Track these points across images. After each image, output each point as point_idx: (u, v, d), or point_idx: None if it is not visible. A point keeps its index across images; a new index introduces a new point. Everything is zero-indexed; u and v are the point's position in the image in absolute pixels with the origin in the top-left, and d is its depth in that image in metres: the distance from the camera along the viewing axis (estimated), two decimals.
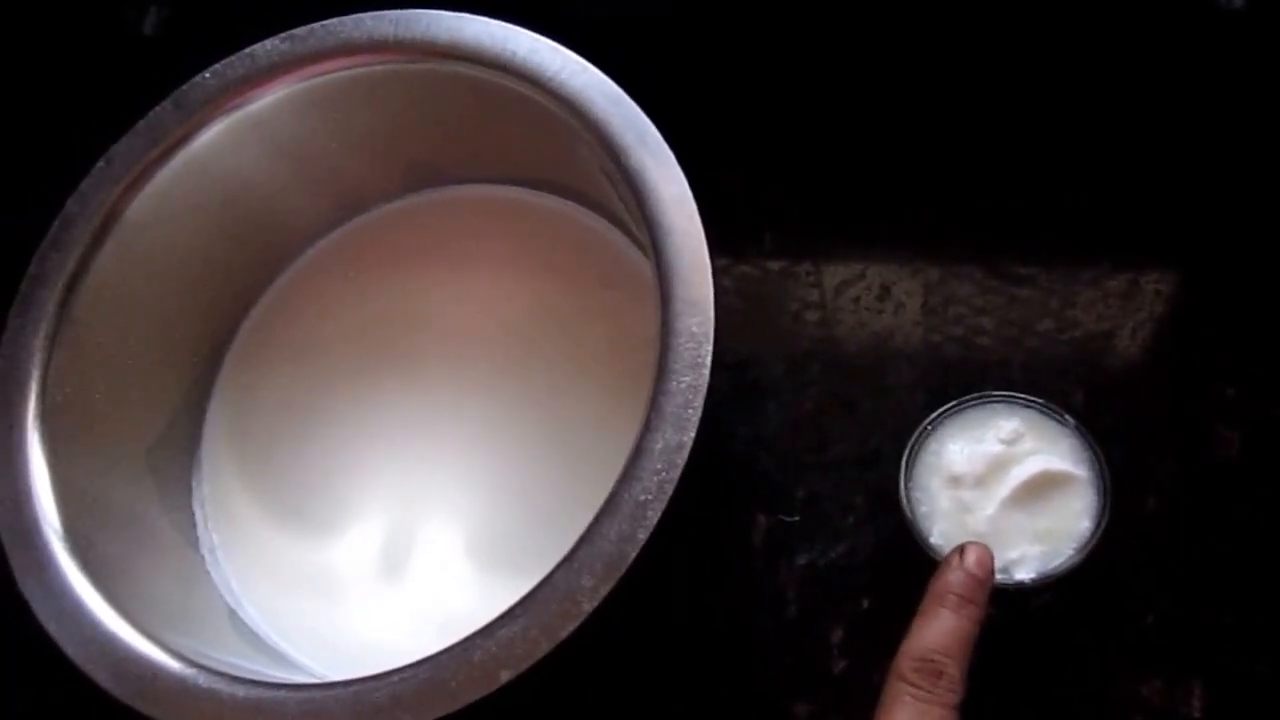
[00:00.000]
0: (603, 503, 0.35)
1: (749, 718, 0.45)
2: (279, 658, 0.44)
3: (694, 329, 0.36)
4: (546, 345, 0.49)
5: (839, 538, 0.47)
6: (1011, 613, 0.44)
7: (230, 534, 0.48)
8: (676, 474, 0.34)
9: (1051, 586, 0.39)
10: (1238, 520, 0.45)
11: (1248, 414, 0.47)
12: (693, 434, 0.34)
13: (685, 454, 0.34)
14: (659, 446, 0.35)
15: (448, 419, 0.49)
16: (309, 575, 0.47)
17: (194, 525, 0.48)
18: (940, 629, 0.35)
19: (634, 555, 0.33)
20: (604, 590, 0.33)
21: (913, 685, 0.34)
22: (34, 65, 0.59)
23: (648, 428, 0.35)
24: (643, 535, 0.33)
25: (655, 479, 0.34)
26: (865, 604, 0.46)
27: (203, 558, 0.47)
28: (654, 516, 0.34)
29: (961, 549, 0.37)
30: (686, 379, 0.35)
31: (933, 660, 0.34)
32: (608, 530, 0.34)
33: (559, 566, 0.34)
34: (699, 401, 0.35)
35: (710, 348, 0.36)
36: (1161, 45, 0.53)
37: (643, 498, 0.34)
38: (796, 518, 0.48)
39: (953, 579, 0.36)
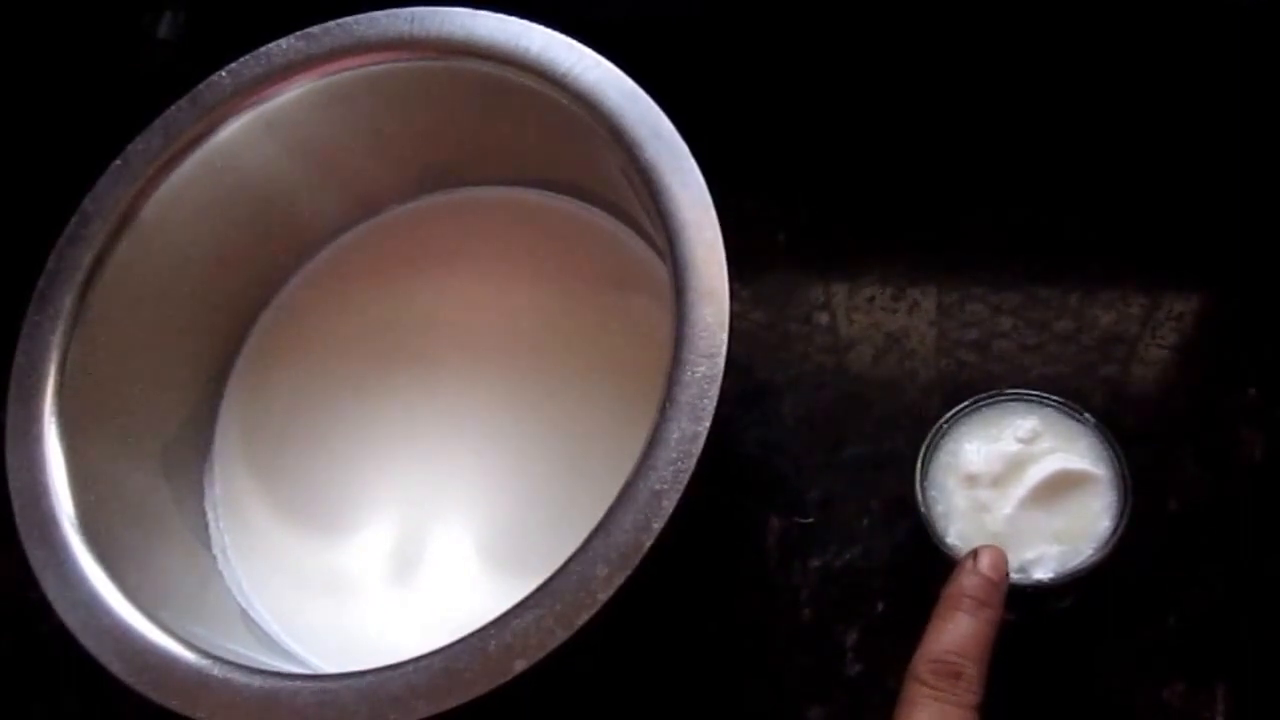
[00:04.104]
0: (617, 494, 0.35)
1: None
2: (290, 658, 0.44)
3: (709, 319, 0.36)
4: (560, 347, 0.49)
5: (853, 539, 0.47)
6: (1030, 614, 0.43)
7: (242, 534, 0.48)
8: (692, 463, 0.34)
9: (1070, 587, 0.39)
10: (1261, 521, 0.45)
11: (1271, 415, 0.46)
12: (708, 423, 0.34)
13: (701, 443, 0.34)
14: (675, 436, 0.34)
15: (460, 420, 0.49)
16: (320, 576, 0.47)
17: (206, 525, 0.48)
18: (957, 632, 0.34)
19: (649, 544, 0.33)
20: (619, 580, 0.33)
21: (931, 687, 0.33)
22: (51, 67, 0.59)
23: (663, 417, 0.35)
24: (658, 525, 0.33)
25: (671, 469, 0.34)
26: (880, 607, 0.45)
27: (215, 558, 0.47)
28: (669, 506, 0.33)
29: (975, 552, 0.37)
30: (702, 368, 0.35)
31: (950, 662, 0.34)
32: (623, 520, 0.34)
33: (574, 556, 0.34)
34: (714, 391, 0.35)
35: (726, 337, 0.36)
36: (1182, 43, 0.53)
37: (658, 487, 0.34)
38: (810, 519, 0.47)
39: (967, 583, 0.36)
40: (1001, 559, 0.37)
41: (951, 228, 0.52)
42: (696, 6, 0.57)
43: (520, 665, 0.33)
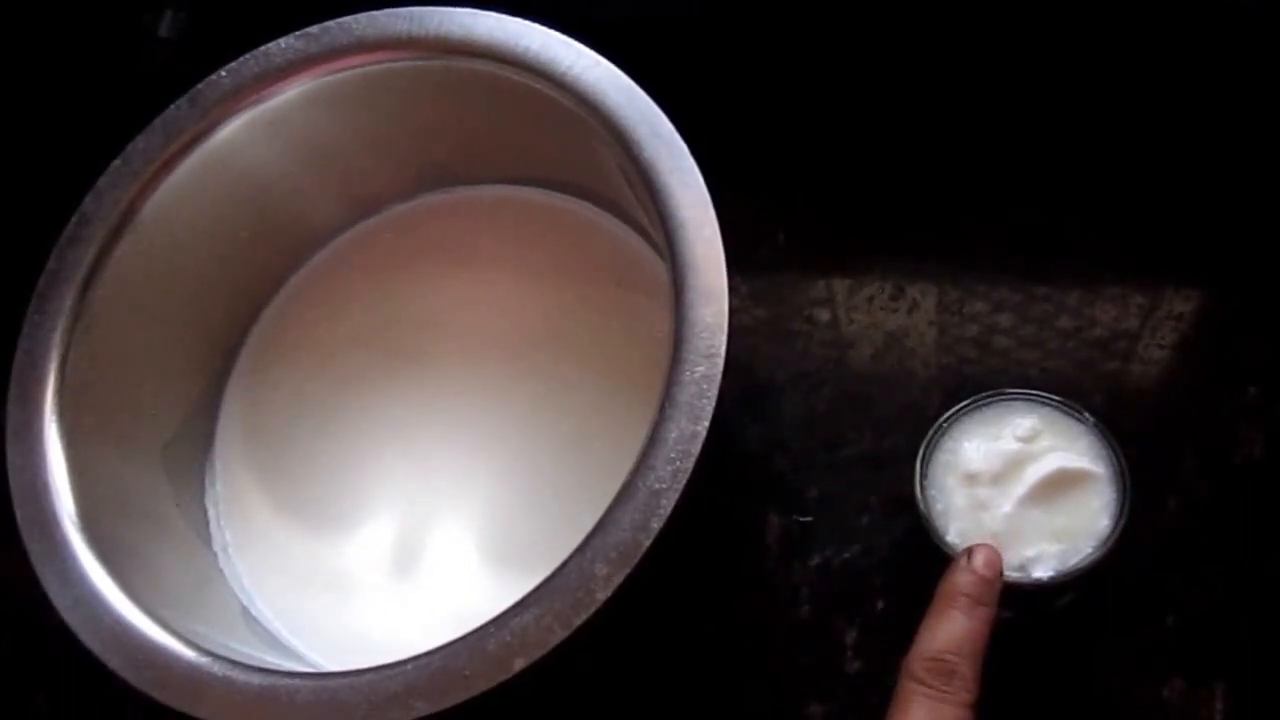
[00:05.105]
0: (616, 493, 0.35)
1: (762, 718, 0.45)
2: (291, 655, 0.44)
3: (708, 319, 0.36)
4: (559, 344, 0.49)
5: (853, 537, 0.47)
6: (1029, 613, 0.43)
7: (243, 532, 0.48)
8: (691, 463, 0.34)
9: (1070, 585, 0.39)
10: (1260, 520, 0.45)
11: (1271, 414, 0.46)
12: (707, 423, 0.34)
13: (699, 443, 0.34)
14: (673, 435, 0.34)
15: (460, 418, 0.49)
16: (321, 574, 0.47)
17: (207, 523, 0.48)
18: (951, 630, 0.34)
19: (648, 544, 0.33)
20: (618, 579, 0.33)
21: (925, 685, 0.33)
22: (51, 66, 0.60)
23: (662, 417, 0.35)
24: (657, 524, 0.33)
25: (669, 468, 0.34)
26: (880, 604, 0.45)
27: (215, 555, 0.47)
28: (668, 505, 0.33)
29: (970, 550, 0.37)
30: (700, 369, 0.35)
31: (945, 660, 0.34)
32: (622, 519, 0.34)
33: (573, 555, 0.34)
34: (713, 391, 0.35)
35: (724, 338, 0.36)
36: (1182, 43, 0.53)
37: (657, 486, 0.34)
38: (810, 518, 0.47)
39: (962, 580, 0.36)
40: (996, 556, 0.37)
41: (951, 227, 0.52)
42: (696, 6, 0.57)
43: (519, 664, 0.33)
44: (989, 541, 0.38)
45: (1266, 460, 0.46)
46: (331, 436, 0.49)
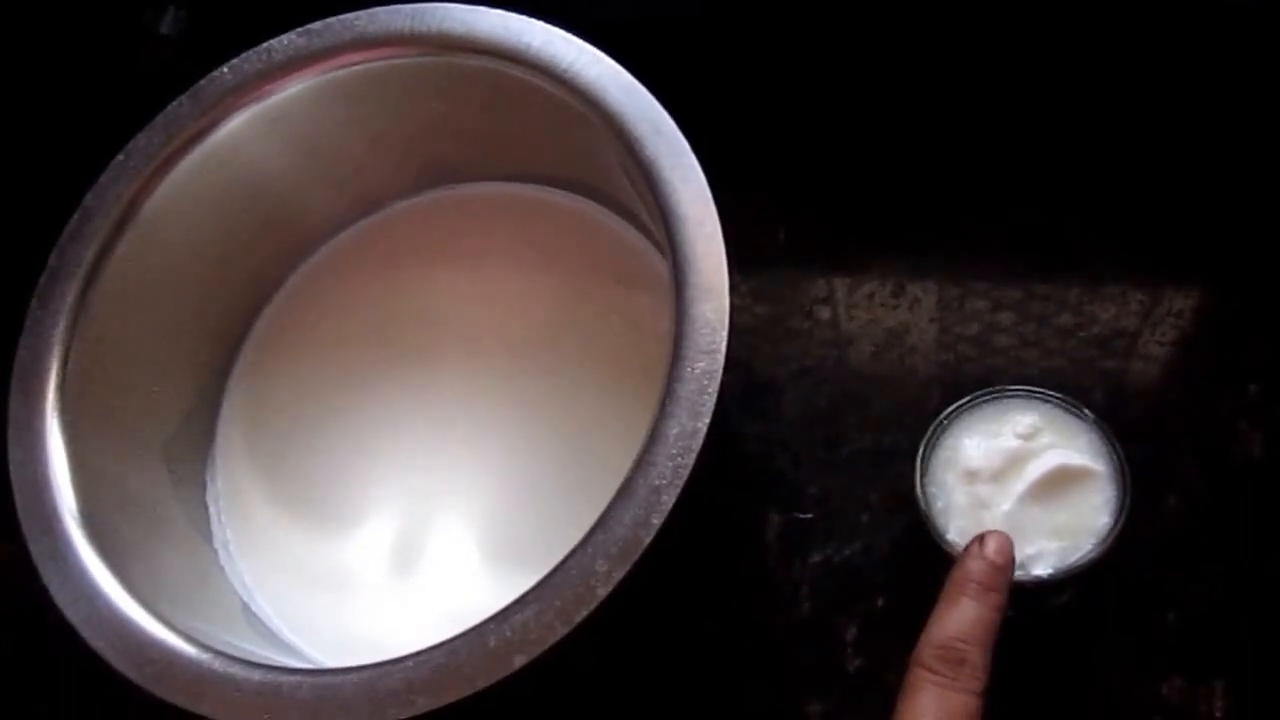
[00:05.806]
0: (617, 490, 0.35)
1: (762, 717, 0.45)
2: (291, 652, 0.44)
3: (709, 315, 0.36)
4: (561, 342, 0.49)
5: (853, 535, 0.47)
6: (1029, 610, 0.43)
7: (243, 529, 0.48)
8: (691, 459, 0.34)
9: (1070, 583, 0.39)
10: (1260, 518, 0.45)
11: (1271, 412, 0.46)
12: (708, 419, 0.34)
13: (700, 439, 0.34)
14: (674, 432, 0.34)
15: (461, 416, 0.49)
16: (322, 571, 0.47)
17: (207, 520, 0.48)
18: (962, 617, 0.34)
19: (649, 540, 0.33)
20: (618, 575, 0.33)
21: (935, 673, 0.33)
22: (53, 64, 0.60)
23: (663, 413, 0.35)
24: (657, 520, 0.33)
25: (670, 464, 0.34)
26: (880, 602, 0.45)
27: (216, 552, 0.47)
28: (669, 501, 0.33)
29: (981, 537, 0.36)
30: (701, 365, 0.35)
31: (955, 648, 0.33)
32: (622, 515, 0.34)
33: (573, 552, 0.34)
34: (714, 387, 0.35)
35: (725, 334, 0.36)
36: (1182, 43, 0.53)
37: (657, 482, 0.34)
38: (810, 515, 0.47)
39: (974, 567, 0.35)
40: (1008, 543, 0.36)
41: (952, 225, 0.52)
42: (696, 6, 0.57)
43: (520, 660, 0.33)
44: None
45: (1266, 459, 0.46)
46: (332, 434, 0.49)
